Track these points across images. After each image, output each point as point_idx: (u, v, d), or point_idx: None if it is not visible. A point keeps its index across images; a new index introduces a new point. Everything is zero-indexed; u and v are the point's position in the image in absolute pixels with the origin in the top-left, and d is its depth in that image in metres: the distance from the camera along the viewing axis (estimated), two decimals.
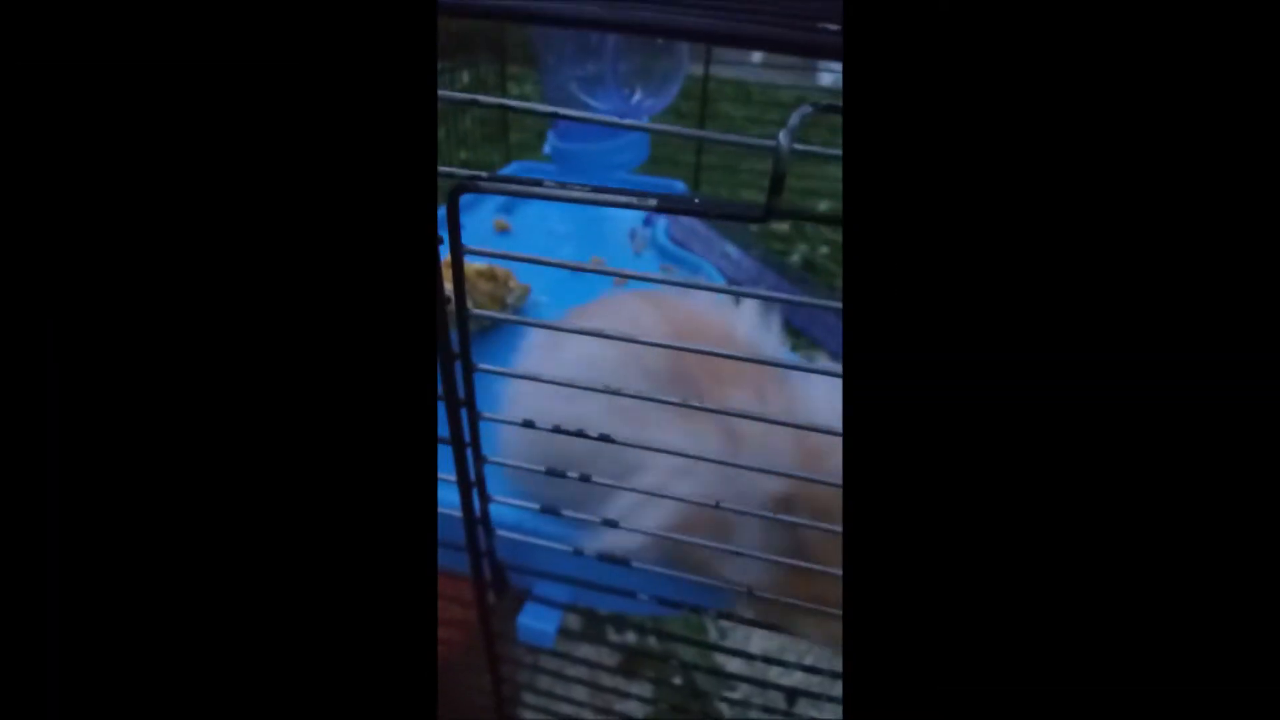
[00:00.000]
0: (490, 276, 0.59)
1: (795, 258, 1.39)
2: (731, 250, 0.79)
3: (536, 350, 0.46)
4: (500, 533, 0.38)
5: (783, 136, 0.24)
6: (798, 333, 0.77)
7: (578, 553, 0.37)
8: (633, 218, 0.81)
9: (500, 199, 0.82)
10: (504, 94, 1.16)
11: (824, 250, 1.38)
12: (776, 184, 0.25)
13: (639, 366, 0.40)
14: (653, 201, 0.26)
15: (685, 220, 0.81)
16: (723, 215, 0.26)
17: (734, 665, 0.80)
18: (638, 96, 0.73)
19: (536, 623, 0.42)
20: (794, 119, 0.26)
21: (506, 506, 0.36)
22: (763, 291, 0.40)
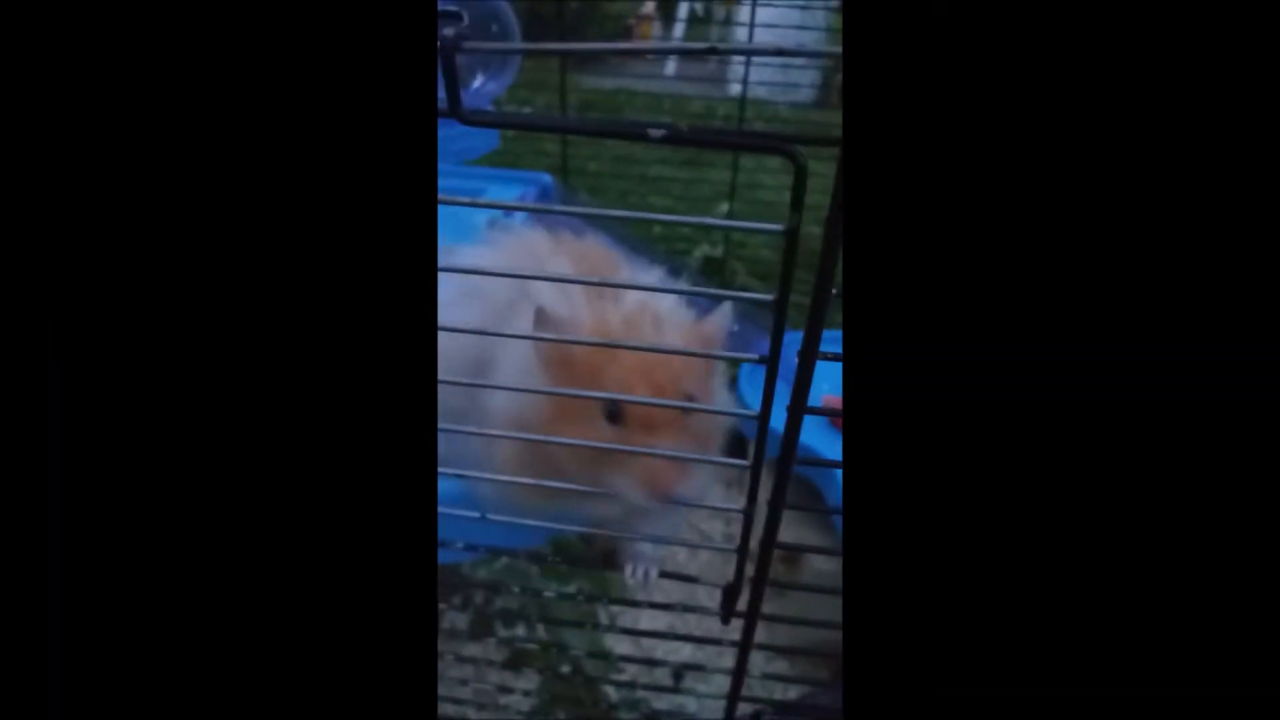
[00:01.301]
0: None
1: (697, 254, 1.41)
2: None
3: None
4: None
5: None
6: None
7: None
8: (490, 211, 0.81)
9: None
10: None
11: (721, 249, 1.40)
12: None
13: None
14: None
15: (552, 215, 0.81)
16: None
17: (622, 647, 0.80)
18: (479, 81, 0.74)
19: None
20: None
21: None
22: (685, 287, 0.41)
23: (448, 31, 0.24)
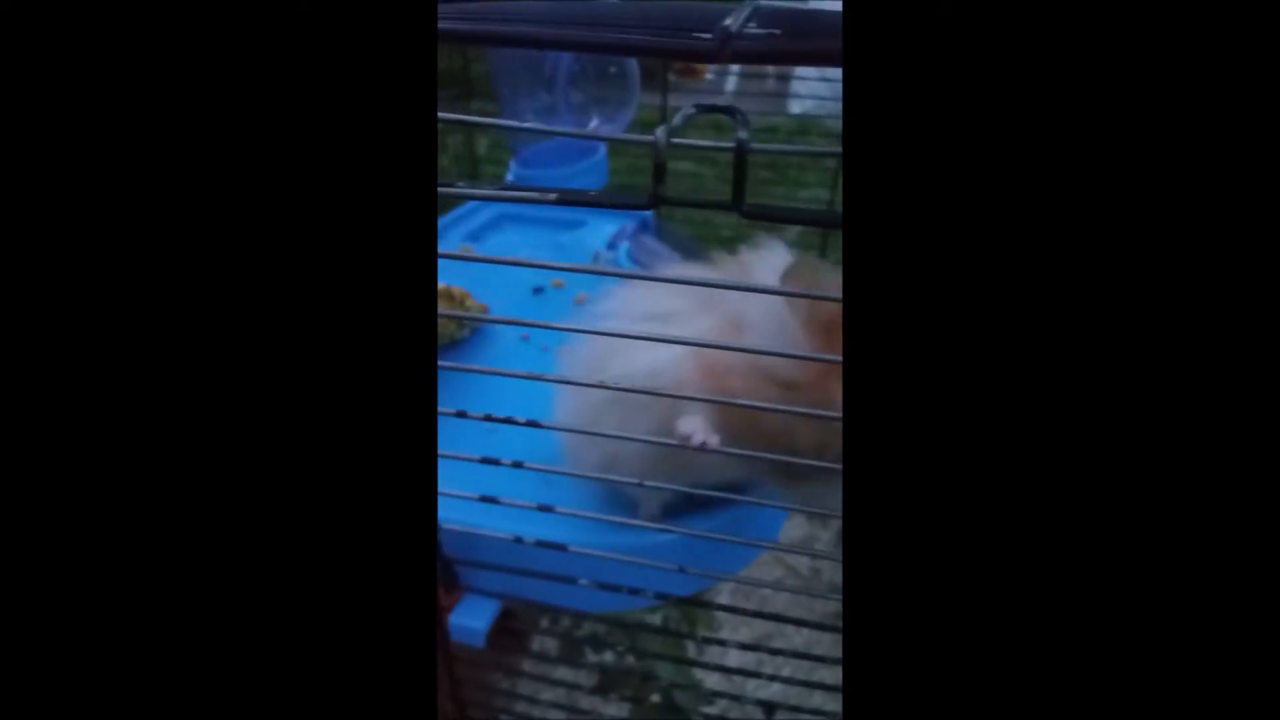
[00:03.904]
0: (447, 296, 0.61)
1: None
2: (690, 270, 0.82)
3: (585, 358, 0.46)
4: (444, 526, 0.40)
5: (660, 132, 0.27)
6: None
7: (517, 541, 0.39)
8: (597, 242, 0.84)
9: (468, 227, 0.85)
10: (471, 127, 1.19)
11: None
12: (659, 172, 0.28)
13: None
14: (552, 195, 0.29)
15: (647, 242, 0.83)
16: (613, 204, 0.28)
17: (711, 681, 0.81)
18: (594, 124, 0.76)
19: (468, 620, 0.42)
20: (677, 119, 0.29)
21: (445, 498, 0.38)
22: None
23: (742, 135, 0.25)
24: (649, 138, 0.27)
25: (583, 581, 0.40)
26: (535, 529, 0.39)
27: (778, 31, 0.29)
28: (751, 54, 0.26)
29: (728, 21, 0.28)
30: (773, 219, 0.27)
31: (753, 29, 0.30)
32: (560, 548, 0.39)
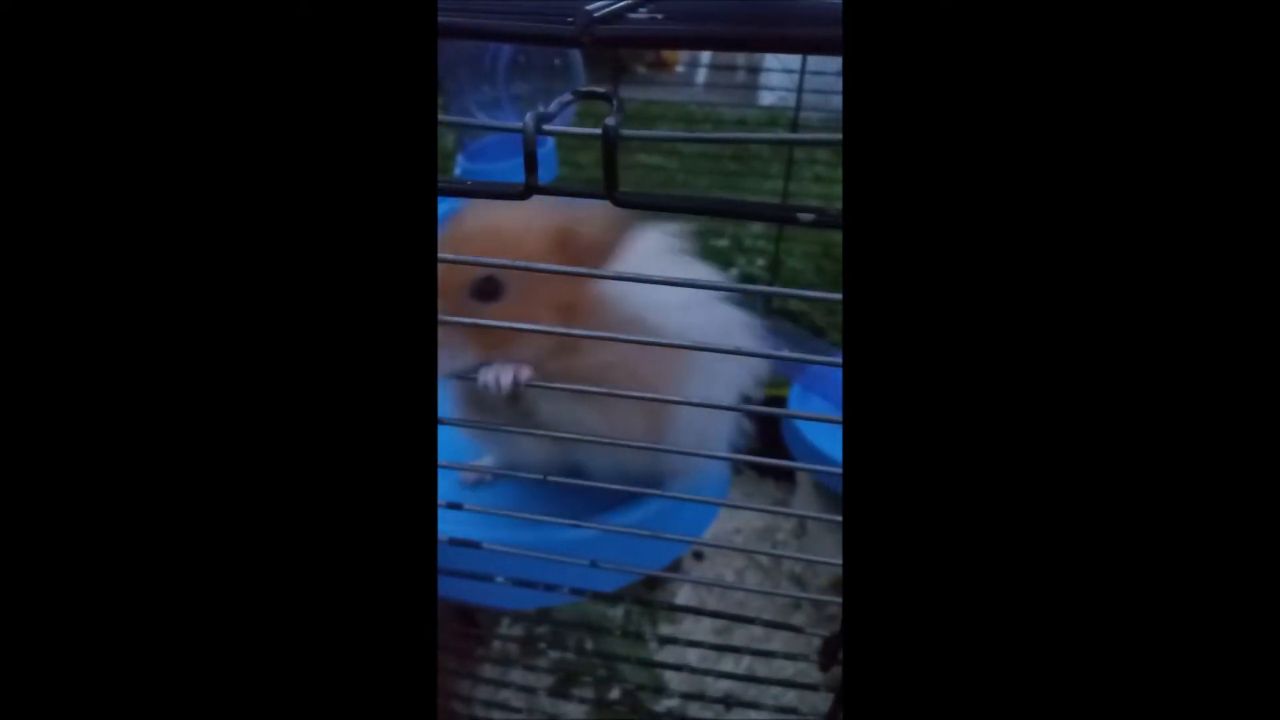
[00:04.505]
0: None
1: (734, 271, 1.41)
2: None
3: None
4: None
5: (529, 118, 0.27)
6: None
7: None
8: None
9: None
10: None
11: (760, 262, 1.41)
12: (528, 161, 0.27)
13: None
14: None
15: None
16: (488, 194, 0.28)
17: (671, 677, 0.81)
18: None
19: None
20: (553, 105, 0.28)
21: None
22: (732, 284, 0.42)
23: (609, 121, 0.25)
24: (517, 126, 0.26)
25: (499, 579, 0.40)
26: (450, 528, 0.39)
27: (659, 16, 0.29)
28: (616, 39, 0.25)
29: (597, 5, 0.27)
30: (648, 207, 0.27)
31: (638, 14, 0.29)
32: (474, 545, 0.39)
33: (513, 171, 0.81)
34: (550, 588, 0.39)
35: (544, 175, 0.86)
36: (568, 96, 0.29)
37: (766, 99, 1.90)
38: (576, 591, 0.40)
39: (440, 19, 0.26)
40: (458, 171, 0.84)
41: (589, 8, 0.26)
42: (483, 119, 0.73)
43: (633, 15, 0.29)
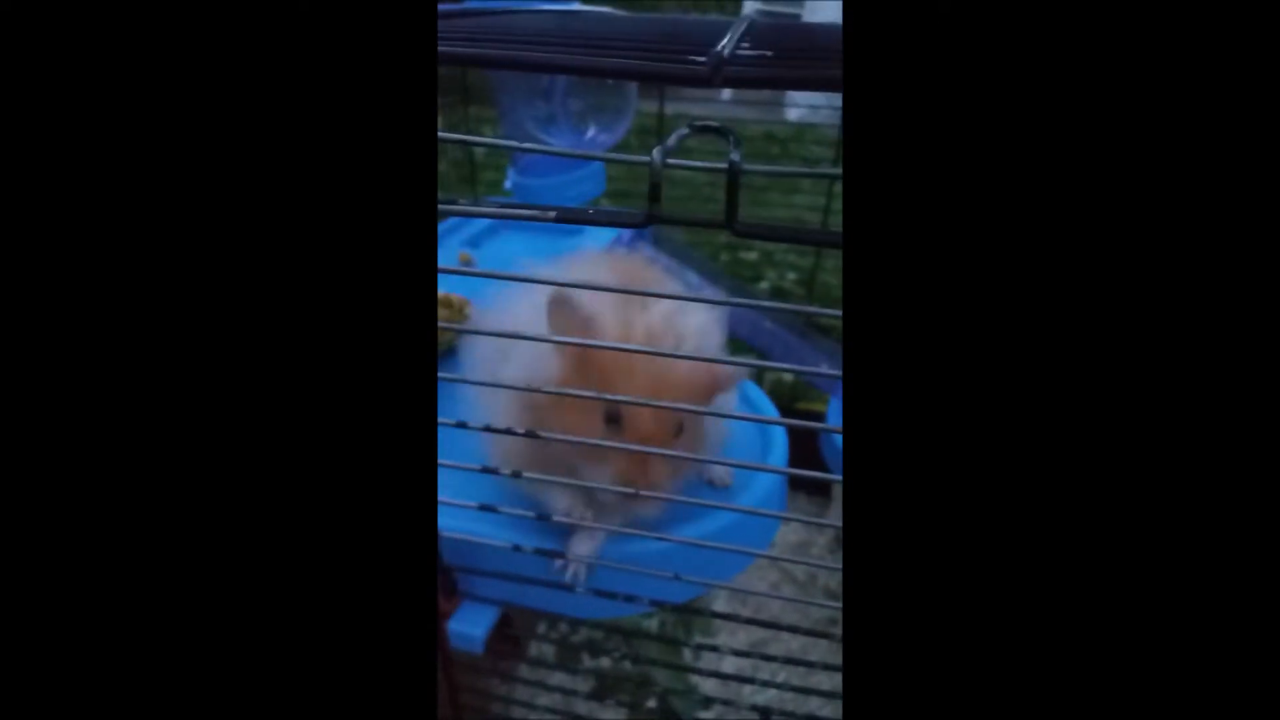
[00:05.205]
0: (446, 304, 0.62)
1: (764, 284, 1.42)
2: (693, 279, 0.82)
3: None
4: (443, 534, 0.41)
5: (656, 153, 0.28)
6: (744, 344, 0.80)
7: (515, 549, 0.39)
8: (596, 248, 0.84)
9: (466, 233, 0.86)
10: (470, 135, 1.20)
11: (791, 276, 1.42)
12: (654, 192, 0.28)
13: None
14: (552, 214, 0.29)
15: (649, 253, 0.84)
16: (610, 223, 0.29)
17: (707, 686, 0.82)
18: (591, 132, 0.77)
19: (466, 627, 0.42)
20: (672, 139, 0.30)
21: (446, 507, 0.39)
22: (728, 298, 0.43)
23: (734, 157, 0.26)
24: (644, 159, 0.28)
25: (579, 589, 0.41)
26: (532, 538, 0.40)
27: (769, 54, 0.30)
28: (743, 80, 0.27)
29: (722, 44, 0.28)
30: (764, 237, 0.28)
31: (745, 50, 0.31)
32: (559, 555, 0.40)
33: (562, 187, 0.83)
34: (630, 599, 0.40)
35: (594, 190, 0.88)
36: (685, 130, 0.30)
37: (792, 114, 1.92)
38: (655, 603, 0.41)
39: (578, 60, 0.27)
40: (508, 185, 0.85)
41: (718, 47, 0.27)
42: (538, 134, 0.74)
43: (742, 53, 0.30)
